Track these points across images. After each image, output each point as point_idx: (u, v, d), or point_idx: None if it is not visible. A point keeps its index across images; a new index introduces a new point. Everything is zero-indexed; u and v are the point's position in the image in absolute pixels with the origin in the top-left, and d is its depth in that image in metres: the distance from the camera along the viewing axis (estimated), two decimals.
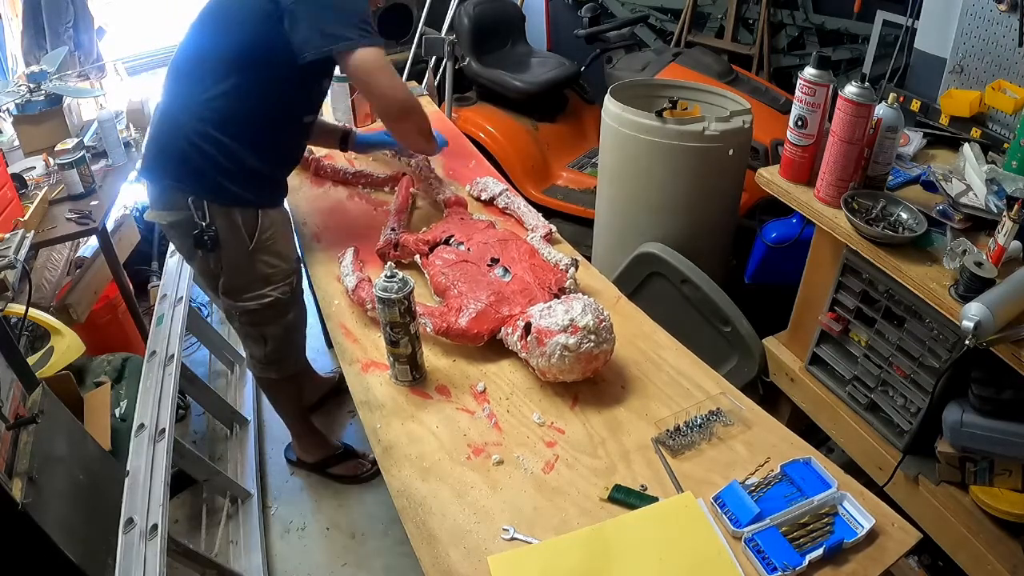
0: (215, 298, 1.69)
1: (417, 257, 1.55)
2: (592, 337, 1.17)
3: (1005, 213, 1.25)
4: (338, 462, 2.13)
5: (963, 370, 1.37)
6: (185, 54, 1.49)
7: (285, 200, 1.68)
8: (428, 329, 1.33)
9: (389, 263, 1.22)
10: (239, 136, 1.45)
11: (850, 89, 1.42)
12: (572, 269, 1.44)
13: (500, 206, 1.76)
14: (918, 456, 1.53)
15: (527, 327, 1.24)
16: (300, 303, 1.77)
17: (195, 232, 1.48)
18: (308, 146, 1.98)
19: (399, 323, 1.20)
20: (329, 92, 2.19)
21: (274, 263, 1.60)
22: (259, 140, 1.49)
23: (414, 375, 1.27)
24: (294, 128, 1.58)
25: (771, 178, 1.69)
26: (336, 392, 2.39)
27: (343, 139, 1.90)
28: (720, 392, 1.22)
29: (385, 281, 1.18)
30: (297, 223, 1.77)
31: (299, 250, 1.74)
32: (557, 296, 1.35)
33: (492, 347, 1.33)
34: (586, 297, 1.25)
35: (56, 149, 2.08)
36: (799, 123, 1.57)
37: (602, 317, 1.20)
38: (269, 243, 1.57)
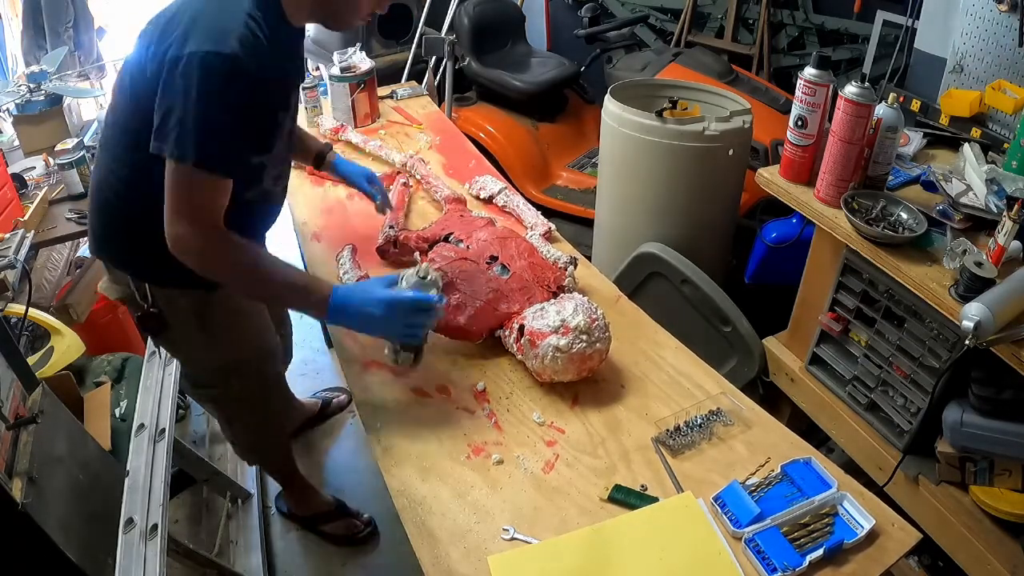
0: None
1: (416, 255, 1.55)
2: (584, 337, 1.17)
3: (1005, 213, 1.25)
4: (330, 520, 1.96)
5: (963, 370, 1.37)
6: (108, 115, 1.25)
7: None
8: None
9: (425, 265, 1.21)
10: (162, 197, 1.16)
11: (850, 89, 1.42)
12: (571, 267, 1.44)
13: (499, 204, 1.76)
14: (918, 456, 1.53)
15: (521, 329, 1.24)
16: (276, 395, 1.59)
17: (138, 314, 1.33)
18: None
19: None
20: (329, 91, 2.20)
21: (240, 348, 1.41)
22: None
23: (416, 358, 1.25)
24: (238, 194, 1.17)
25: (771, 178, 1.69)
26: (320, 419, 2.26)
27: (319, 158, 1.66)
28: (720, 392, 1.23)
29: (416, 277, 1.18)
30: (297, 223, 1.77)
31: (299, 250, 1.70)
32: (556, 294, 1.36)
33: (492, 346, 1.33)
34: (579, 297, 1.25)
35: (56, 149, 2.08)
36: (799, 123, 1.57)
37: (594, 316, 1.20)
38: (225, 329, 1.37)
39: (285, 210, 1.85)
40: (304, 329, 2.56)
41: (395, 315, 1.14)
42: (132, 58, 1.16)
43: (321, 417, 2.28)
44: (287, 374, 1.85)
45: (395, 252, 1.57)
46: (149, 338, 1.38)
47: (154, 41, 1.08)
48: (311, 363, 2.56)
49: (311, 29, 3.00)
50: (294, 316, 1.91)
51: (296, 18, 1.17)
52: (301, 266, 1.79)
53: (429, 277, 1.19)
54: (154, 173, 1.11)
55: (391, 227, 1.60)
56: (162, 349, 1.76)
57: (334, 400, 2.33)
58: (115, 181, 1.22)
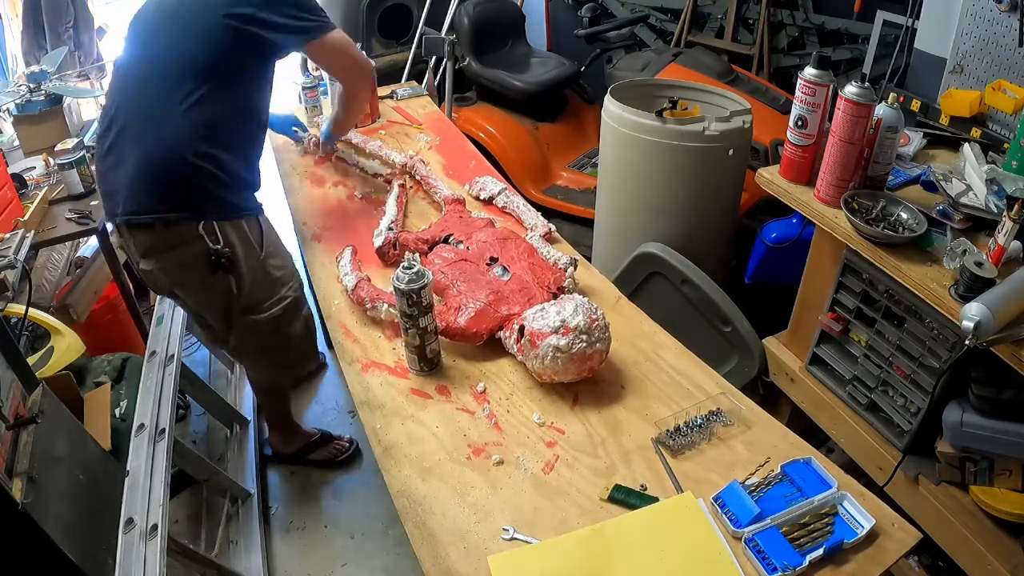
0: (222, 333, 1.64)
1: (416, 255, 1.55)
2: (584, 337, 1.17)
3: (1005, 213, 1.25)
4: (316, 448, 2.15)
5: (963, 370, 1.37)
6: (138, 71, 1.47)
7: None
8: None
9: (409, 253, 1.25)
10: (228, 144, 1.45)
11: (850, 89, 1.42)
12: (571, 268, 1.44)
13: (499, 205, 1.75)
14: (918, 456, 1.53)
15: (521, 330, 1.24)
16: (307, 316, 1.77)
17: (211, 258, 1.45)
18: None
19: (406, 314, 1.21)
20: (330, 91, 2.20)
21: (281, 263, 1.64)
22: (243, 144, 1.50)
23: (421, 366, 1.28)
24: (262, 123, 1.60)
25: (771, 178, 1.69)
26: (315, 446, 2.18)
27: None
28: (720, 392, 1.22)
29: (401, 270, 1.19)
30: (297, 223, 1.77)
31: (299, 250, 1.74)
32: (556, 295, 1.36)
33: (492, 347, 1.33)
34: (579, 297, 1.25)
35: (56, 149, 2.08)
36: (799, 123, 1.57)
37: (594, 317, 1.20)
38: (274, 246, 1.61)
39: (285, 210, 1.86)
40: None
41: None
42: (170, 7, 1.45)
43: (318, 445, 2.18)
44: None
45: (395, 253, 1.57)
46: (214, 280, 1.50)
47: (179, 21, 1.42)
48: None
49: None
50: None
51: None
52: (301, 266, 1.80)
53: (415, 267, 1.20)
54: (223, 103, 1.42)
55: (390, 228, 1.60)
56: (165, 349, 1.78)
57: (334, 442, 2.22)
58: (175, 123, 1.38)
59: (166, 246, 1.45)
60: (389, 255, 1.57)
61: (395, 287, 1.19)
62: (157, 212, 1.41)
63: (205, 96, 1.39)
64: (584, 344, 1.17)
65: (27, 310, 1.69)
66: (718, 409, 1.18)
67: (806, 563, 0.93)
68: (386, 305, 1.39)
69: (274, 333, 1.66)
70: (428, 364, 1.28)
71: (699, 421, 1.15)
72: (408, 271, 1.19)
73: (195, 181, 1.41)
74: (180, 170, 1.40)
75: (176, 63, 1.41)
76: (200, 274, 1.48)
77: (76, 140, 2.11)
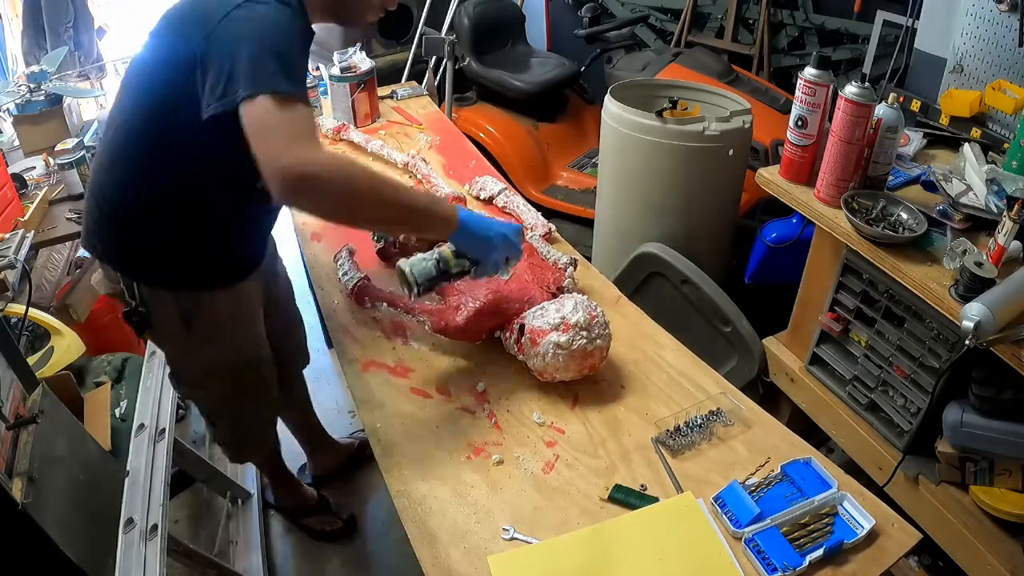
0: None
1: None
2: (584, 334, 1.17)
3: (1005, 213, 1.25)
4: (311, 514, 1.98)
5: (963, 370, 1.37)
6: (113, 114, 1.22)
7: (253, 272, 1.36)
8: (427, 328, 1.33)
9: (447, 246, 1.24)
10: (158, 195, 1.16)
11: (850, 89, 1.42)
12: (571, 268, 1.44)
13: (499, 205, 1.75)
14: (918, 456, 1.53)
15: (521, 329, 1.24)
16: (264, 397, 1.51)
17: (125, 311, 1.28)
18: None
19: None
20: (330, 91, 2.20)
21: (223, 355, 1.35)
22: (194, 205, 1.18)
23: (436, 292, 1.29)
24: (240, 194, 1.17)
25: (771, 178, 1.69)
26: (355, 463, 2.13)
27: None
28: (720, 392, 1.22)
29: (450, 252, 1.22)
30: (297, 223, 1.77)
31: (299, 250, 1.70)
32: (555, 295, 1.36)
33: (492, 347, 1.33)
34: (579, 295, 1.25)
35: (56, 149, 2.08)
36: (799, 123, 1.57)
37: (594, 314, 1.20)
38: (212, 333, 1.30)
39: (285, 210, 1.86)
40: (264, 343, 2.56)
41: (507, 238, 1.20)
42: (142, 56, 1.15)
43: (361, 458, 2.13)
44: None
45: (395, 252, 1.57)
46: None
47: (172, 32, 1.09)
48: (311, 363, 2.56)
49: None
50: None
51: (314, 16, 1.15)
52: (301, 267, 1.79)
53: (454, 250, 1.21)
54: (154, 174, 1.14)
55: None
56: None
57: (331, 515, 2.08)
58: (113, 179, 1.19)
59: (101, 273, 1.34)
60: (390, 255, 1.57)
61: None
62: (85, 242, 1.28)
63: (146, 146, 1.13)
64: (585, 341, 1.17)
65: (27, 310, 1.69)
66: (718, 409, 1.18)
67: (806, 563, 0.93)
68: (385, 305, 1.39)
69: (202, 412, 1.54)
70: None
71: (699, 421, 1.15)
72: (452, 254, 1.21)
73: (113, 228, 1.22)
74: (100, 209, 1.21)
75: (129, 107, 1.16)
76: (122, 315, 1.31)
77: (76, 140, 2.11)
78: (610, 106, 2.05)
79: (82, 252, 2.36)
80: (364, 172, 1.02)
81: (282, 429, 1.86)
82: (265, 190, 1.08)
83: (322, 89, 2.30)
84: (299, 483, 2.00)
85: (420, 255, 1.24)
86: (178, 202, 1.17)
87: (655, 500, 1.04)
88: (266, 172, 0.95)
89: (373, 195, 1.03)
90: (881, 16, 2.54)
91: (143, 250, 1.21)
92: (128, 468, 1.44)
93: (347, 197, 1.00)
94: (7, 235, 1.76)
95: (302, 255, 1.72)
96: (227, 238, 1.26)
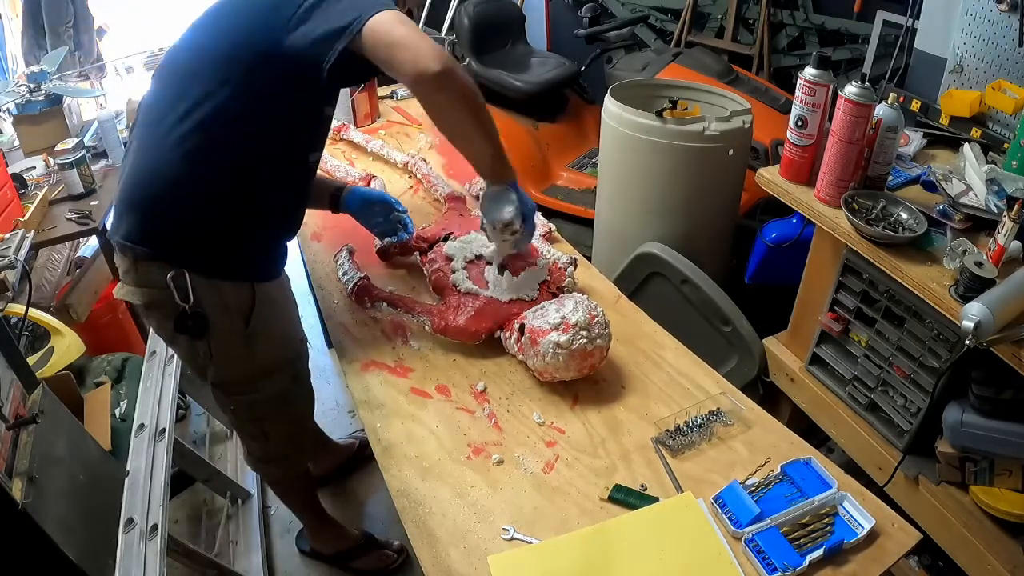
0: (202, 384, 1.37)
1: (416, 255, 1.55)
2: (584, 333, 1.17)
3: (1005, 213, 1.25)
4: (361, 554, 1.84)
5: (963, 370, 1.37)
6: (152, 104, 1.18)
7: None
8: (427, 328, 1.33)
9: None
10: (228, 177, 1.14)
11: (850, 89, 1.42)
12: (571, 268, 1.44)
13: None
14: (918, 456, 1.53)
15: (521, 329, 1.24)
16: (307, 390, 1.49)
17: (176, 315, 1.18)
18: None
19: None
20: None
21: (273, 348, 1.31)
22: (254, 182, 1.17)
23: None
24: (297, 169, 1.23)
25: (771, 178, 1.69)
26: (359, 461, 2.10)
27: (334, 198, 1.55)
28: (720, 392, 1.23)
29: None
30: None
31: (299, 250, 1.71)
32: (556, 295, 1.36)
33: (492, 347, 1.33)
34: (579, 295, 1.26)
35: (56, 149, 2.08)
36: (799, 123, 1.57)
37: (595, 313, 1.20)
38: (268, 326, 1.27)
39: None
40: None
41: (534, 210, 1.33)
42: (189, 42, 1.18)
43: (361, 457, 2.10)
44: None
45: (396, 252, 1.57)
46: (182, 339, 1.23)
47: (226, 16, 1.15)
48: (311, 364, 2.56)
49: None
50: None
51: None
52: (301, 267, 1.79)
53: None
54: (215, 158, 1.13)
55: None
56: (165, 349, 1.73)
57: (382, 550, 1.99)
58: (168, 168, 1.12)
59: (134, 280, 1.20)
60: (390, 254, 1.57)
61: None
62: (129, 239, 1.17)
63: (215, 109, 1.10)
64: (585, 340, 1.17)
65: (27, 310, 1.69)
66: (718, 409, 1.18)
67: (806, 563, 0.93)
68: (385, 305, 1.39)
69: (248, 420, 1.42)
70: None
71: (699, 421, 1.15)
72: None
73: (165, 214, 1.15)
74: (150, 195, 1.15)
75: (193, 68, 1.14)
76: (166, 327, 1.23)
77: (76, 140, 2.11)
78: (610, 106, 2.05)
79: (83, 252, 2.36)
80: (467, 79, 1.11)
81: None
82: (312, 164, 1.27)
83: None
84: (341, 526, 1.86)
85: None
86: (240, 180, 1.16)
87: (655, 500, 1.04)
88: (414, 69, 1.05)
89: (481, 100, 1.13)
90: (881, 16, 2.54)
91: (206, 235, 1.16)
92: (128, 468, 1.44)
93: (472, 95, 1.11)
94: (7, 235, 1.76)
95: (302, 255, 1.72)
96: (283, 220, 1.28)
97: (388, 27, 1.04)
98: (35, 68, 2.36)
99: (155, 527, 1.32)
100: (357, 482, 2.10)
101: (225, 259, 1.19)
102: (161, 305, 1.19)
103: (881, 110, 1.46)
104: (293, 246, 1.75)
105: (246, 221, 1.19)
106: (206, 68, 1.12)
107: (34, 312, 1.77)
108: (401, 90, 2.46)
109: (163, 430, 1.55)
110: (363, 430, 2.17)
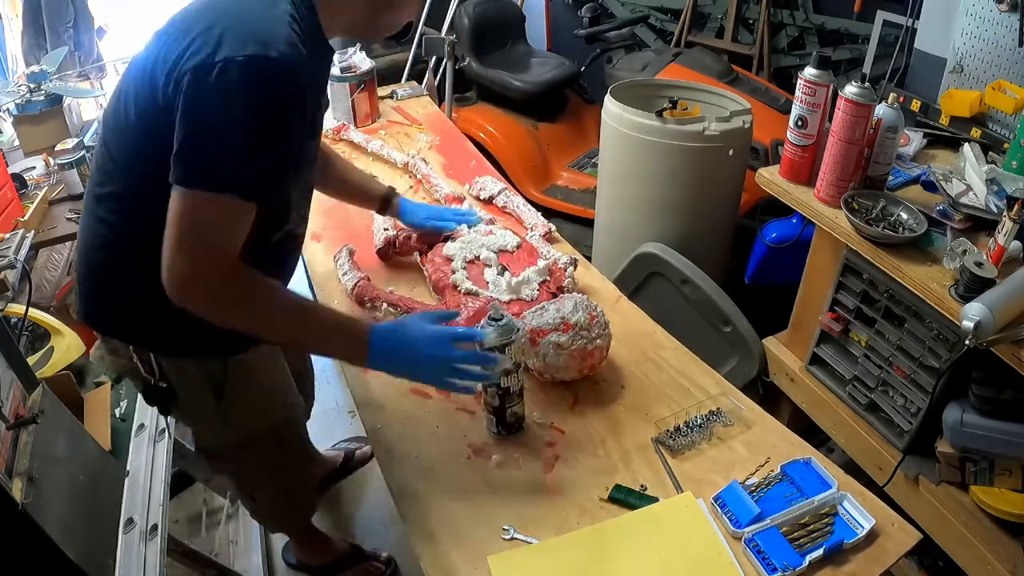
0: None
1: (416, 255, 1.55)
2: (584, 333, 1.17)
3: (1005, 213, 1.25)
4: (348, 566, 1.79)
5: (963, 370, 1.37)
6: (100, 152, 1.04)
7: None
8: None
9: (496, 303, 1.11)
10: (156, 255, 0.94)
11: (850, 89, 1.42)
12: (571, 268, 1.44)
13: (499, 205, 1.75)
14: (918, 456, 1.53)
15: None
16: (298, 453, 1.41)
17: (142, 389, 1.15)
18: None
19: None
20: (330, 91, 2.19)
21: (254, 421, 1.24)
22: None
23: (499, 429, 1.14)
24: (260, 248, 0.99)
25: (771, 178, 1.69)
26: (344, 473, 2.06)
27: (384, 202, 1.51)
28: (720, 392, 1.23)
29: (487, 321, 1.06)
30: None
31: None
32: (556, 295, 1.36)
33: None
34: (578, 295, 1.25)
35: (56, 149, 2.08)
36: (799, 123, 1.57)
37: (594, 314, 1.20)
38: (244, 398, 1.19)
39: None
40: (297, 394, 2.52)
41: (437, 349, 0.99)
42: (138, 67, 0.96)
43: (345, 470, 2.07)
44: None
45: (395, 252, 1.57)
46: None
47: (167, 44, 0.91)
48: (311, 363, 2.56)
49: None
50: None
51: (331, 30, 1.01)
52: (301, 268, 1.79)
53: (504, 319, 1.06)
54: (139, 230, 0.98)
55: (385, 228, 1.60)
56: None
57: (357, 452, 2.10)
58: (111, 233, 1.02)
59: (104, 349, 1.15)
60: (389, 255, 1.57)
61: (479, 342, 1.04)
62: (84, 318, 1.10)
63: (140, 185, 0.96)
64: (584, 340, 1.17)
65: (27, 310, 1.69)
66: (718, 409, 1.18)
67: (806, 563, 0.93)
68: (385, 305, 1.39)
69: (235, 486, 1.41)
70: (507, 428, 1.14)
71: (699, 421, 1.15)
72: (495, 323, 1.05)
73: (113, 289, 1.05)
74: (95, 273, 1.06)
75: (119, 140, 0.99)
76: (140, 394, 1.17)
77: (76, 140, 2.11)
78: (610, 106, 2.05)
79: None
80: (260, 299, 0.95)
81: None
82: (285, 233, 1.06)
83: None
84: (328, 538, 1.81)
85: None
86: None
87: (655, 500, 1.04)
88: (164, 271, 0.89)
89: (258, 312, 0.97)
90: (881, 16, 2.54)
91: (161, 315, 0.98)
92: (128, 468, 1.44)
93: (228, 321, 0.96)
94: (7, 235, 1.76)
95: (302, 255, 1.72)
96: None
97: (181, 213, 0.87)
98: (35, 68, 2.36)
99: (155, 527, 1.32)
100: (343, 493, 2.09)
101: (182, 337, 1.05)
102: (132, 374, 1.15)
103: (881, 110, 1.46)
104: None
105: None
106: (124, 123, 0.97)
107: (34, 312, 1.77)
108: (401, 90, 2.46)
109: (163, 430, 1.54)
110: (353, 438, 2.20)
